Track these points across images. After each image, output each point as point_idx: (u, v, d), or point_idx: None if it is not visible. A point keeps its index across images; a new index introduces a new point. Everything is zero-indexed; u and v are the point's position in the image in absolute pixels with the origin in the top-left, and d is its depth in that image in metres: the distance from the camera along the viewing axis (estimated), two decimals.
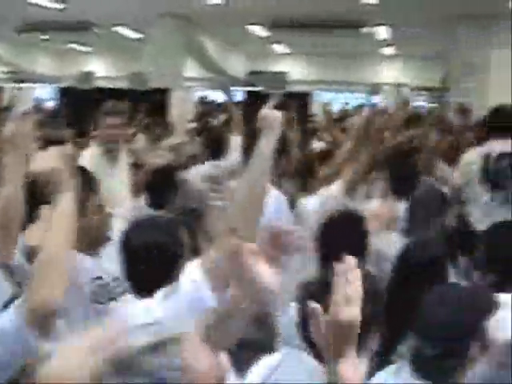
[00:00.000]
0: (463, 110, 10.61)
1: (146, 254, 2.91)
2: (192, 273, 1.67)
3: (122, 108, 5.98)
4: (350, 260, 1.47)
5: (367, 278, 1.82)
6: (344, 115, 12.00)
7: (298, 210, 4.98)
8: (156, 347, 1.33)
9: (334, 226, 3.83)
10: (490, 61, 15.43)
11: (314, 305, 1.49)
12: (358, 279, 1.45)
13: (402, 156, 5.57)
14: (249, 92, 15.87)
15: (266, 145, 2.58)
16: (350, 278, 1.43)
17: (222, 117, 11.40)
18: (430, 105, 21.01)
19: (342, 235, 3.68)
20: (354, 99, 22.05)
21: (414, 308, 2.63)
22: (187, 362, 1.32)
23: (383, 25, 17.42)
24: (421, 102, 22.57)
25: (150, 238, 2.96)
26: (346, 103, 15.24)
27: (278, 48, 23.11)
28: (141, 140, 8.70)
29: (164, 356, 1.31)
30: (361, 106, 10.99)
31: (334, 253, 2.27)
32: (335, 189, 4.73)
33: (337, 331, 1.42)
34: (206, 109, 15.61)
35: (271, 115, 2.69)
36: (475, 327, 2.36)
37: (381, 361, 2.79)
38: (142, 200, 5.03)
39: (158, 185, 4.88)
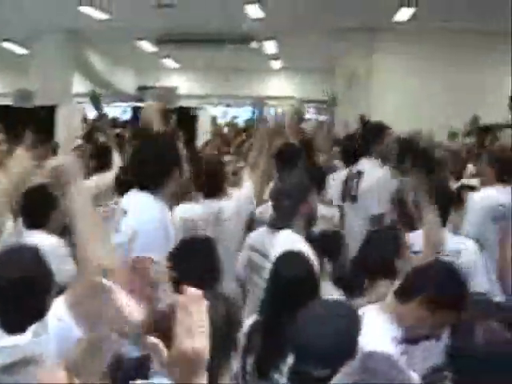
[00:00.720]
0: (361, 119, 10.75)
1: (12, 290, 2.72)
2: (58, 309, 1.67)
3: None
4: (192, 291, 1.43)
5: (223, 303, 1.83)
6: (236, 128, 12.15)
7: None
8: (12, 367, 1.32)
9: (184, 250, 3.74)
10: (372, 72, 15.99)
11: (154, 340, 1.40)
12: (202, 310, 1.42)
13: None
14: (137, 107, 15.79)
15: (77, 198, 2.52)
16: (191, 310, 1.40)
17: (111, 132, 11.29)
18: (320, 117, 21.38)
19: (192, 260, 3.58)
20: (243, 113, 22.30)
21: (289, 326, 2.70)
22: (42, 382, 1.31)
23: (271, 39, 17.69)
24: (311, 115, 23.03)
25: (16, 272, 2.77)
26: (235, 117, 15.38)
27: (168, 63, 23.08)
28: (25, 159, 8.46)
29: (20, 375, 1.31)
30: (251, 120, 11.12)
31: (184, 279, 2.31)
32: (245, 192, 5.25)
33: (182, 363, 1.39)
34: (95, 124, 15.38)
35: (60, 168, 2.57)
36: (349, 345, 2.43)
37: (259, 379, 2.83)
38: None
39: (34, 205, 4.68)
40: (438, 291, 2.81)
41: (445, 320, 2.79)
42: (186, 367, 1.39)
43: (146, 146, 4.18)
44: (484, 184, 5.86)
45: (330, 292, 4.09)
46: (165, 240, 3.72)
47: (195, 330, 1.39)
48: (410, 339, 2.87)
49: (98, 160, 7.14)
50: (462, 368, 2.32)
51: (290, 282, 3.25)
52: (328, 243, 4.65)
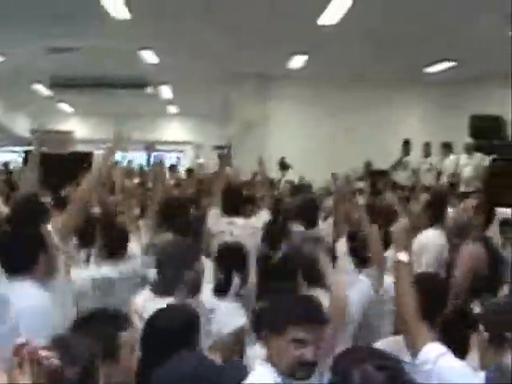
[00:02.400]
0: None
1: None
2: None
3: None
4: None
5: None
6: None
7: None
8: None
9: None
10: (268, 119, 16.29)
11: None
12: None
13: None
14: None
15: None
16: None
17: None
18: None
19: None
20: (139, 157, 22.20)
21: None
22: None
23: (165, 84, 17.82)
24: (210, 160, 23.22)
25: None
26: (129, 161, 15.40)
27: (64, 107, 22.90)
28: None
29: None
30: (147, 165, 11.14)
31: None
32: None
33: None
34: None
35: None
36: None
37: None
38: None
39: None
40: None
41: None
42: None
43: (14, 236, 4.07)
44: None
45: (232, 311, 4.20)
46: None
47: None
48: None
49: None
50: None
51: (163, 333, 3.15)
52: (232, 256, 4.67)
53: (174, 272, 4.03)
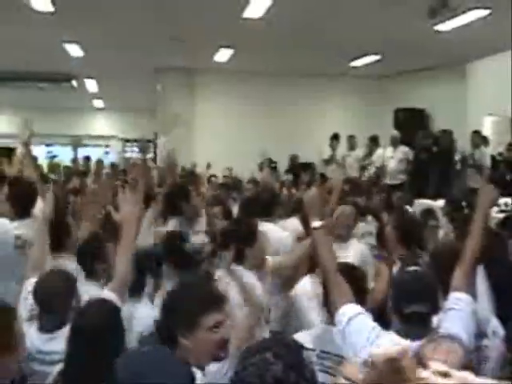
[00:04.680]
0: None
1: None
2: None
3: None
4: None
5: None
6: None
7: None
8: None
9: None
10: (195, 112, 16.28)
11: None
12: None
13: None
14: None
15: None
16: None
17: None
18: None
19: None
20: (65, 152, 21.93)
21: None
22: None
23: (91, 78, 17.62)
24: (133, 154, 23.16)
25: None
26: (54, 156, 15.21)
27: None
28: None
29: None
30: (74, 160, 11.02)
31: None
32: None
33: None
34: None
35: None
36: None
37: None
38: None
39: None
40: None
41: None
42: None
43: None
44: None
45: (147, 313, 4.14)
46: None
47: None
48: None
49: None
50: None
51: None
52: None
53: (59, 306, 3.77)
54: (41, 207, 4.94)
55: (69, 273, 3.85)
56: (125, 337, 3.20)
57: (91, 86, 18.87)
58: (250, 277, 4.40)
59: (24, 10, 10.53)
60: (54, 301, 3.61)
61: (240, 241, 4.58)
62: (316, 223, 3.44)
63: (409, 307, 3.16)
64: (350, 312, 3.08)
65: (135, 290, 4.26)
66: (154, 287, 4.58)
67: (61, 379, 3.07)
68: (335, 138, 13.76)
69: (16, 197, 5.35)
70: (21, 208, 5.29)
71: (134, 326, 4.01)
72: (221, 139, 15.95)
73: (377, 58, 14.42)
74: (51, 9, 10.51)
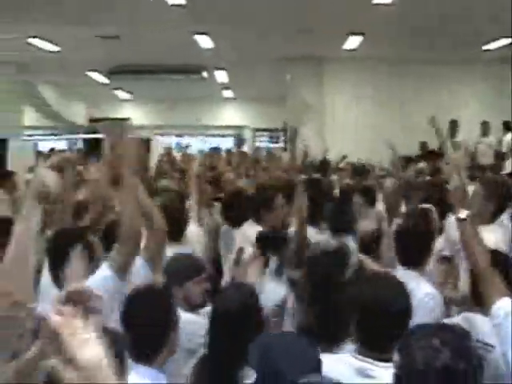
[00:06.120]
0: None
1: None
2: None
3: None
4: (67, 311, 1.35)
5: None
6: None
7: None
8: None
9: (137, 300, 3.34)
10: (324, 101, 16.14)
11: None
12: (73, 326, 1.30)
13: None
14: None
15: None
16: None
17: None
18: (274, 145, 21.58)
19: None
20: (196, 143, 22.38)
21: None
22: None
23: (221, 69, 17.81)
24: (263, 143, 23.28)
25: None
26: (187, 146, 15.48)
27: (119, 94, 23.06)
28: None
29: None
30: (202, 151, 11.17)
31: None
32: None
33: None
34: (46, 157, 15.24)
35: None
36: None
37: None
38: None
39: None
40: None
41: None
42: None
43: None
44: None
45: (273, 289, 4.22)
46: None
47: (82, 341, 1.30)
48: None
49: None
50: None
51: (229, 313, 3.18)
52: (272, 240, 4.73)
53: None
54: None
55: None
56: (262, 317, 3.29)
57: (221, 76, 19.05)
58: None
59: (157, 5, 10.84)
60: None
61: None
62: (462, 214, 3.22)
63: None
64: (507, 307, 2.90)
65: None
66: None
67: (203, 365, 3.13)
68: (453, 124, 13.23)
69: None
70: None
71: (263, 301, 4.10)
72: (351, 130, 15.76)
73: (509, 40, 13.83)
74: (183, 1, 10.74)
